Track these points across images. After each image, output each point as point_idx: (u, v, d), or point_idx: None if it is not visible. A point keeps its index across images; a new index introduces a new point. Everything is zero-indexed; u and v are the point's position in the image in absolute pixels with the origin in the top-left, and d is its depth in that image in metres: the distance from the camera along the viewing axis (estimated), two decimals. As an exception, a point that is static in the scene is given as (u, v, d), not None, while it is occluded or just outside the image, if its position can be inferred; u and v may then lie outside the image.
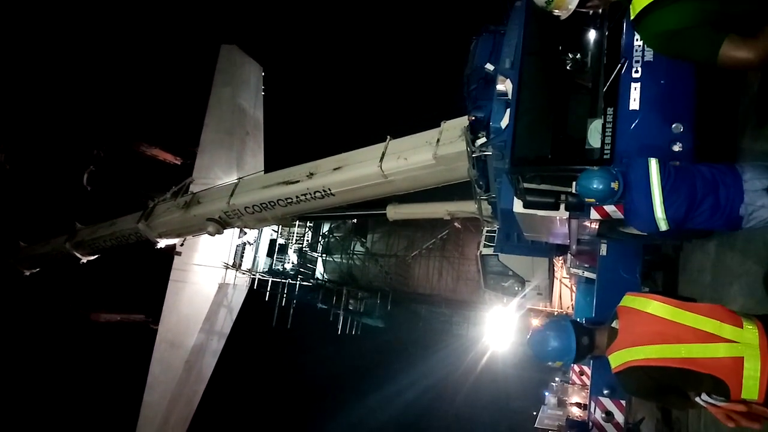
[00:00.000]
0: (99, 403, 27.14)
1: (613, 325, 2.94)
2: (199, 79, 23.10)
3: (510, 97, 6.56)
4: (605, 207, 5.19)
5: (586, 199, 4.39)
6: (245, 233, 23.10)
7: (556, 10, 3.45)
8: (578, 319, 3.19)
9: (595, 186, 4.19)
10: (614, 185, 4.13)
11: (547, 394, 24.61)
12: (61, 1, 26.39)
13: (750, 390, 2.48)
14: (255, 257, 24.75)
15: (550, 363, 3.07)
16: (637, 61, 5.67)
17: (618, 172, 4.22)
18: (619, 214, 4.95)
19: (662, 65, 5.57)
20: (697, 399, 2.58)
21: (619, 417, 9.27)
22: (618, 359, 2.77)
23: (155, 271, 20.65)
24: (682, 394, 2.68)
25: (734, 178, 3.71)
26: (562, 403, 22.28)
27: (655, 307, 2.75)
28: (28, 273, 18.67)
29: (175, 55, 27.53)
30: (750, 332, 2.55)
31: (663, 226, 3.86)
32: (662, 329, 2.67)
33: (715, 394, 2.54)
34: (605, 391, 8.90)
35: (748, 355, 2.49)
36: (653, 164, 3.88)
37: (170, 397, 19.71)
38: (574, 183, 5.70)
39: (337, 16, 33.12)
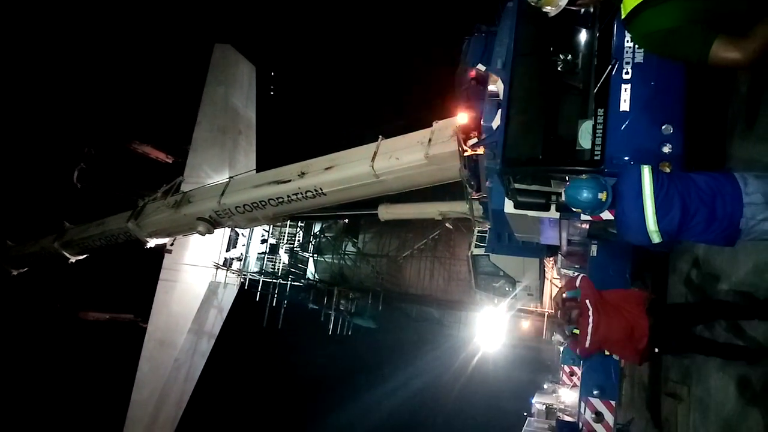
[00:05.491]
0: (87, 402, 26.94)
1: None
2: (193, 78, 23.05)
3: (501, 97, 6.57)
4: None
5: (574, 209, 4.29)
6: (235, 248, 23.16)
7: (546, 7, 3.45)
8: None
9: (583, 196, 4.06)
10: (602, 196, 3.98)
11: (533, 402, 24.56)
12: (54, -1, 26.17)
13: None
14: (246, 257, 24.68)
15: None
16: (627, 63, 5.71)
17: (607, 182, 4.07)
18: (610, 216, 4.93)
19: (652, 67, 5.60)
20: None
21: (609, 417, 9.27)
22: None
23: (145, 270, 20.53)
24: None
25: (733, 188, 3.45)
26: (550, 413, 22.31)
27: None
28: (15, 273, 18.44)
29: (168, 53, 27.45)
30: None
31: (655, 238, 3.66)
32: None
33: None
34: (595, 392, 8.91)
35: None
36: (646, 173, 3.68)
37: (158, 395, 19.63)
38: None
39: (331, 16, 33.14)
